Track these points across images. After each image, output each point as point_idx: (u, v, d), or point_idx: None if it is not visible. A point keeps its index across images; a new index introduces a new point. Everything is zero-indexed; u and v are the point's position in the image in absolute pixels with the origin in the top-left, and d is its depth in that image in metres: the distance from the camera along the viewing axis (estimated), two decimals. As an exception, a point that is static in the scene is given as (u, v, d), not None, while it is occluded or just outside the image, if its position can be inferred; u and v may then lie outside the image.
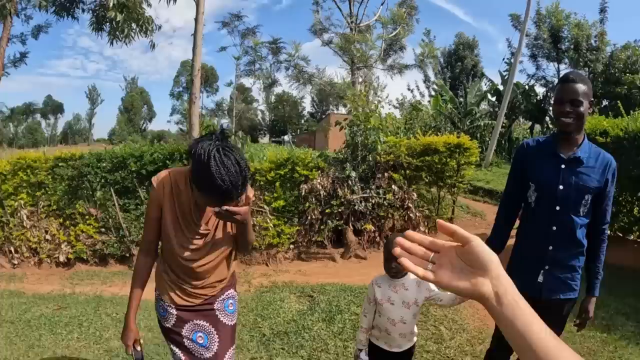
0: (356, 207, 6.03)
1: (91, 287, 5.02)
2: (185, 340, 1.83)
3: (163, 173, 1.75)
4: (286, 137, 33.59)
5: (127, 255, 5.82)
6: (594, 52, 16.83)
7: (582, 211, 2.05)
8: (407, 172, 6.39)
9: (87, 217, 5.86)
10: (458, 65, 25.00)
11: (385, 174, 6.27)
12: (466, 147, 6.42)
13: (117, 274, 5.56)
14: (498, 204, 2.46)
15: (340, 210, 6.06)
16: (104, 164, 5.83)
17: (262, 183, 6.07)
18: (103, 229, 5.84)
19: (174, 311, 1.84)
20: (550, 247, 2.05)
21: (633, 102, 12.50)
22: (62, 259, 5.64)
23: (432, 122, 15.37)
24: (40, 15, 6.89)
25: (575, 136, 2.04)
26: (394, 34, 12.99)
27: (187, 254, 1.75)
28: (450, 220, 6.94)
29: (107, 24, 6.96)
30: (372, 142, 6.21)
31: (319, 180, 6.08)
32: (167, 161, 5.84)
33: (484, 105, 18.44)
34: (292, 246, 6.00)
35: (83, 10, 7.48)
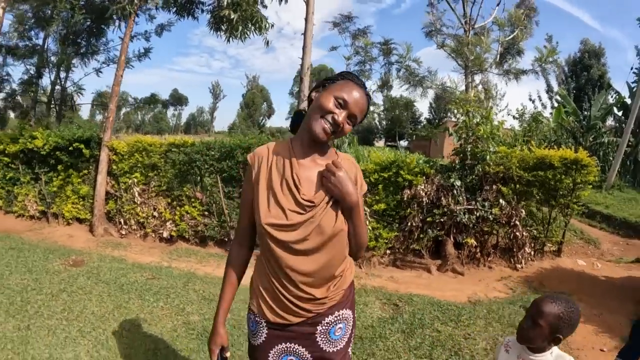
0: (459, 219, 5.59)
1: (187, 264, 5.33)
2: None
3: (260, 147, 1.53)
4: (402, 142, 33.17)
5: (226, 239, 6.11)
6: None
7: None
8: (517, 186, 5.76)
9: (192, 200, 6.25)
10: (583, 75, 22.29)
11: (494, 187, 5.73)
12: (584, 164, 5.57)
13: (213, 255, 5.84)
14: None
15: (442, 220, 5.68)
16: (213, 152, 6.14)
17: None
18: (206, 213, 6.19)
19: (264, 328, 1.50)
20: None
21: None
22: (165, 235, 6.11)
23: (552, 136, 13.91)
24: (163, 14, 7.58)
25: None
26: (511, 37, 12.04)
27: (281, 232, 1.38)
28: (560, 244, 6.11)
29: (225, 23, 7.44)
30: (481, 152, 5.74)
31: (422, 187, 5.72)
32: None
33: (609, 121, 16.22)
34: (388, 251, 5.78)
35: (202, 11, 8.07)
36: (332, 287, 1.45)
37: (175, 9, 7.81)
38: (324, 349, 1.49)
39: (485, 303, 4.24)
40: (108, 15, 7.61)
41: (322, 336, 1.48)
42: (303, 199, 1.38)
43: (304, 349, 1.47)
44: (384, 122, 46.54)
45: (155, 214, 6.32)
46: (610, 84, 20.06)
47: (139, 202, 6.36)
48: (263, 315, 1.46)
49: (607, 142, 14.15)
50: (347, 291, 1.52)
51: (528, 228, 5.87)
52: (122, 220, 6.48)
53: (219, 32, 7.73)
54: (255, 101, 63.29)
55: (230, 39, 7.46)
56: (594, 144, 14.12)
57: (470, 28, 11.66)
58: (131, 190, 6.40)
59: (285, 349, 1.48)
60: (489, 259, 5.80)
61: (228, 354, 1.56)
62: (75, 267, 4.72)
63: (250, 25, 7.15)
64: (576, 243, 7.02)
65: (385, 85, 16.58)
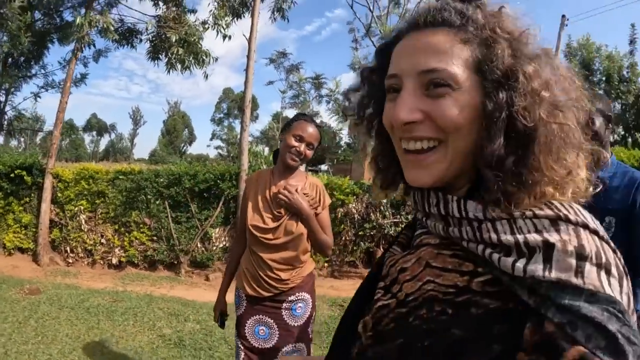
0: (386, 231, 6.47)
1: (141, 287, 5.55)
2: (247, 333, 2.00)
3: (253, 173, 2.18)
4: (323, 167, 34.33)
5: (175, 262, 6.38)
6: (626, 83, 16.62)
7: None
8: None
9: (141, 225, 6.46)
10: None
11: None
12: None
13: (164, 278, 6.10)
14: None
15: (372, 233, 6.53)
16: (161, 179, 6.45)
17: None
18: (155, 238, 6.44)
19: (244, 300, 2.03)
20: None
21: None
22: (114, 261, 6.25)
23: None
24: (101, 40, 7.70)
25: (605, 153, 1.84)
26: None
27: (260, 232, 1.96)
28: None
29: (164, 53, 7.81)
30: None
31: (354, 205, 6.60)
32: (219, 181, 6.41)
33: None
34: (326, 264, 6.49)
35: (141, 40, 8.30)
36: (294, 273, 1.99)
37: (116, 37, 8.03)
38: (287, 322, 1.99)
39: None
40: (59, 39, 7.57)
41: (286, 312, 1.99)
42: (277, 211, 1.97)
43: (272, 321, 1.99)
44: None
45: (103, 240, 6.43)
46: None
47: (86, 230, 6.42)
48: (244, 290, 2.01)
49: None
50: (306, 278, 2.05)
51: None
52: (68, 249, 6.48)
53: (156, 62, 8.08)
54: (176, 127, 61.48)
55: (171, 70, 7.84)
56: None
57: None
58: (77, 218, 6.45)
59: (258, 319, 2.00)
60: None
61: (226, 319, 2.16)
62: (32, 295, 4.77)
63: (191, 59, 7.60)
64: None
65: (314, 116, 17.81)
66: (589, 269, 0.43)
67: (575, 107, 0.54)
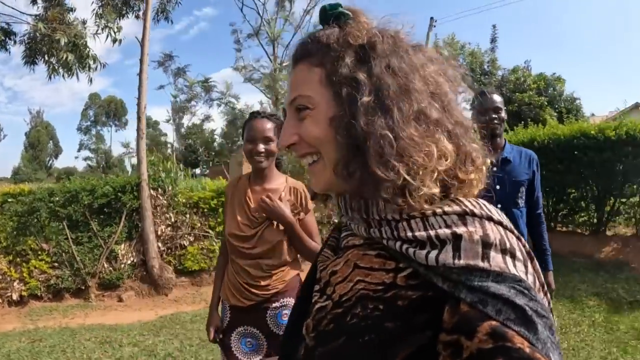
0: None
1: (53, 321, 5.18)
2: (233, 346, 1.94)
3: (232, 179, 2.15)
4: (197, 171, 32.79)
5: (83, 287, 5.99)
6: (487, 76, 19.08)
7: (520, 203, 2.33)
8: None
9: (39, 252, 5.94)
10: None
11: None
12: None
13: (75, 306, 5.73)
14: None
15: None
16: (57, 198, 5.99)
17: (205, 210, 6.75)
18: (56, 264, 5.96)
19: (228, 310, 1.98)
20: None
21: (523, 117, 14.91)
22: (15, 297, 5.64)
23: None
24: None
25: (499, 140, 2.37)
26: None
27: (237, 241, 1.90)
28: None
29: (41, 57, 7.08)
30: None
31: None
32: (119, 193, 6.15)
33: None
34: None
35: (15, 42, 7.32)
36: (274, 278, 1.91)
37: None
38: (274, 330, 1.90)
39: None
40: None
41: (271, 320, 1.91)
42: (252, 216, 1.91)
43: (257, 331, 1.92)
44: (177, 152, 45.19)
45: (-2, 275, 5.85)
46: None
47: (-27, 266, 5.74)
48: (227, 300, 1.96)
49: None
50: (290, 282, 1.95)
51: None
52: (-48, 290, 5.69)
53: (33, 67, 7.30)
54: (41, 140, 53.58)
55: (53, 75, 7.16)
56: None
57: (280, 66, 13.56)
58: (-40, 254, 5.73)
59: (244, 331, 1.94)
60: None
61: (220, 334, 2.01)
62: None
63: (76, 63, 7.06)
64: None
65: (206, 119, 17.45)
66: (494, 254, 0.49)
67: (445, 97, 0.60)
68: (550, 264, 2.42)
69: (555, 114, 15.07)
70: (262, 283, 1.90)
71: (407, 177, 0.54)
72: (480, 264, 0.48)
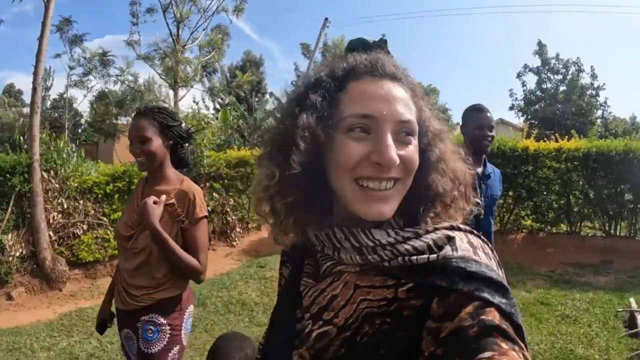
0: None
1: None
2: (125, 347, 1.86)
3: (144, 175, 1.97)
4: None
5: None
6: None
7: (494, 213, 2.58)
8: (226, 181, 7.59)
9: None
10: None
11: (207, 184, 7.32)
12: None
13: None
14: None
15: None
16: None
17: (100, 195, 6.28)
18: None
19: (115, 312, 1.90)
20: None
21: None
22: None
23: (221, 136, 16.67)
24: None
25: (484, 156, 2.48)
26: (208, 57, 13.95)
27: (119, 240, 1.83)
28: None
29: None
30: (198, 156, 7.17)
31: None
32: (8, 175, 5.36)
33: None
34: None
35: None
36: (149, 291, 1.73)
37: None
38: (141, 346, 1.73)
39: (226, 273, 5.96)
40: None
41: (140, 332, 1.74)
42: (134, 216, 1.77)
43: (135, 338, 1.76)
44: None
45: None
46: (272, 93, 25.19)
47: None
48: (115, 301, 1.87)
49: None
50: (163, 301, 1.74)
51: (236, 213, 7.78)
52: None
53: None
54: None
55: None
56: (259, 141, 18.08)
57: (182, 48, 12.78)
58: None
59: (126, 334, 1.82)
60: (211, 242, 7.20)
61: (110, 326, 1.99)
62: None
63: None
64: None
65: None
66: (480, 253, 0.58)
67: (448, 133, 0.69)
68: None
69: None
70: (133, 292, 1.75)
71: (456, 195, 0.68)
72: (474, 256, 0.56)
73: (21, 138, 6.94)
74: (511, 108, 23.66)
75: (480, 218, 2.35)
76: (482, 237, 0.63)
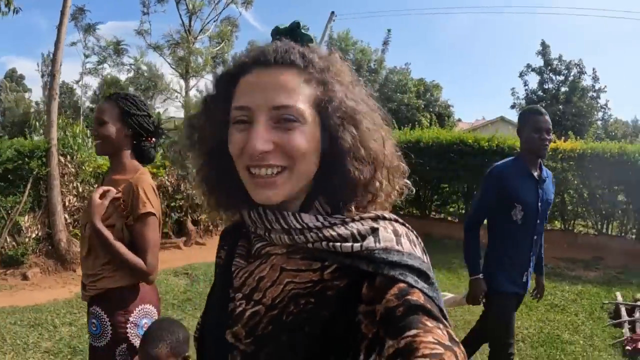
0: (195, 200, 6.85)
1: None
2: None
3: None
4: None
5: None
6: (373, 74, 20.93)
7: (547, 218, 2.51)
8: None
9: None
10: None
11: None
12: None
13: None
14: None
15: (181, 203, 7.07)
16: None
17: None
18: None
19: None
20: (532, 253, 2.44)
21: (401, 116, 16.22)
22: None
23: None
24: None
25: (541, 160, 2.44)
26: (218, 47, 14.06)
27: (81, 229, 1.78)
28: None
29: None
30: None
31: (167, 178, 6.98)
32: (27, 158, 5.58)
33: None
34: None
35: None
36: (93, 279, 1.67)
37: None
38: (89, 338, 1.71)
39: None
40: None
41: (88, 323, 1.73)
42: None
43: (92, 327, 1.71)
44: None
45: None
46: None
47: None
48: None
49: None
50: (106, 292, 1.65)
51: None
52: None
53: None
54: None
55: None
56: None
57: (194, 39, 12.89)
58: None
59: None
60: (218, 228, 7.43)
61: None
62: None
63: None
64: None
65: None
66: (404, 241, 0.60)
67: (383, 129, 0.67)
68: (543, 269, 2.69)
69: (429, 116, 17.27)
70: (85, 281, 1.72)
71: (383, 186, 0.66)
72: (396, 246, 0.58)
73: (36, 123, 7.14)
74: (512, 107, 23.92)
75: (537, 223, 2.40)
76: (407, 224, 0.65)
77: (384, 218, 0.64)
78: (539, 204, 2.37)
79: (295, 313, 0.60)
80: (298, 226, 0.62)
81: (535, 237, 2.42)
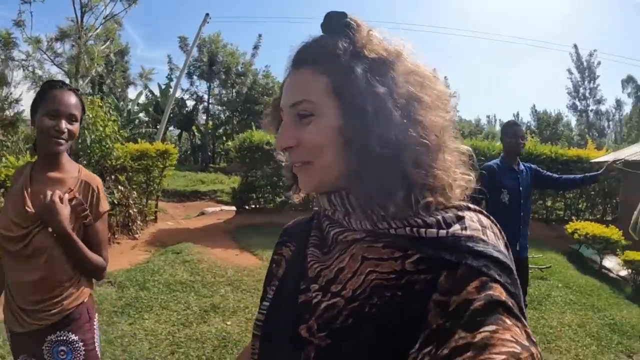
0: None
1: None
2: None
3: (23, 164, 1.73)
4: None
5: None
6: (242, 77, 21.77)
7: (530, 200, 3.38)
8: (130, 174, 7.46)
9: None
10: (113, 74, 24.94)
11: (112, 176, 7.11)
12: (170, 152, 8.06)
13: None
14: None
15: None
16: None
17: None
18: None
19: (8, 334, 1.56)
20: (521, 227, 3.18)
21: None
22: None
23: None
24: None
25: (518, 157, 3.30)
26: (105, 46, 12.61)
27: (6, 243, 1.48)
28: (155, 214, 8.36)
29: None
30: (106, 149, 6.89)
31: None
32: None
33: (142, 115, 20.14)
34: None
35: None
36: (48, 303, 1.46)
37: None
38: None
39: (144, 262, 5.62)
40: None
41: (48, 355, 1.47)
42: (27, 211, 1.45)
43: None
44: None
45: None
46: (147, 85, 23.89)
47: None
48: (5, 321, 1.53)
49: (145, 132, 17.64)
50: (72, 314, 1.50)
51: (137, 205, 7.65)
52: None
53: None
54: None
55: None
56: (134, 134, 16.89)
57: (85, 36, 11.30)
58: None
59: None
60: (115, 236, 6.92)
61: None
62: None
63: None
64: (161, 211, 9.35)
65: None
66: (489, 233, 0.58)
67: (441, 117, 0.64)
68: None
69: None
70: (36, 308, 1.47)
71: (445, 179, 0.61)
72: (482, 236, 0.57)
73: None
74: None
75: (521, 202, 3.21)
76: (491, 217, 0.63)
77: (469, 209, 0.63)
78: (520, 188, 3.20)
79: (379, 306, 0.57)
80: (381, 212, 0.61)
81: (522, 214, 3.21)
